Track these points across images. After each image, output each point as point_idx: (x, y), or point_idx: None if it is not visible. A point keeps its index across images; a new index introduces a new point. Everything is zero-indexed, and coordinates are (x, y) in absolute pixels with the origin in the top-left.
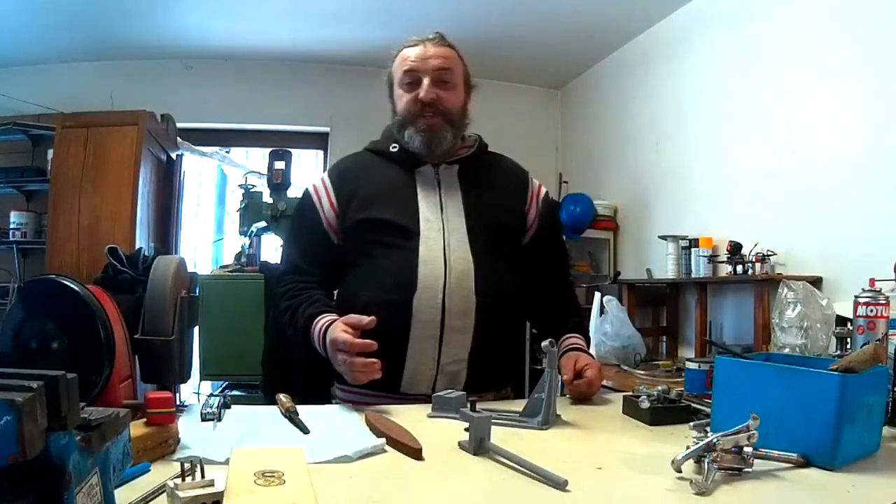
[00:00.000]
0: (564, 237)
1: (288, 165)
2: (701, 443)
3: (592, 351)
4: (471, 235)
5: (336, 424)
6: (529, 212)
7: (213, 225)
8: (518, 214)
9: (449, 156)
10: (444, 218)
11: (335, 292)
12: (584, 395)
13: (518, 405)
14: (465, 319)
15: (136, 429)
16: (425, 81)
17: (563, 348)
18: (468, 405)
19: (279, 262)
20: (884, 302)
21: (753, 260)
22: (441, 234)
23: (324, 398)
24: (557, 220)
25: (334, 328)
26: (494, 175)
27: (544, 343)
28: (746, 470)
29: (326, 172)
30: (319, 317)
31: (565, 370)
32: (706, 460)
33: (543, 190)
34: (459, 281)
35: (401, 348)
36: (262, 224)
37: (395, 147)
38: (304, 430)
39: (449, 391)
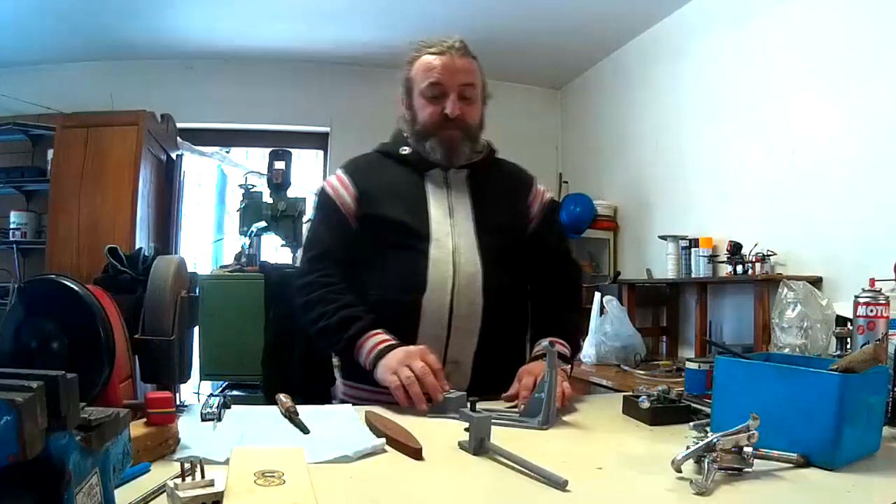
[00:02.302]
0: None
1: (288, 165)
2: (701, 443)
3: (592, 351)
4: (479, 240)
5: (336, 424)
6: (532, 207)
7: (213, 225)
8: (522, 214)
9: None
10: (452, 221)
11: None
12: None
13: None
14: (472, 322)
15: (136, 429)
16: (451, 97)
17: (535, 353)
18: (468, 405)
19: (301, 251)
20: (884, 302)
21: (753, 260)
22: (450, 238)
23: (324, 398)
24: (559, 218)
25: (414, 350)
26: (501, 180)
27: (544, 343)
28: (746, 470)
29: (340, 168)
30: (377, 331)
31: (513, 385)
32: (706, 460)
33: (548, 195)
34: (468, 284)
35: None
36: (262, 224)
37: (405, 150)
38: (304, 430)
39: (449, 391)
